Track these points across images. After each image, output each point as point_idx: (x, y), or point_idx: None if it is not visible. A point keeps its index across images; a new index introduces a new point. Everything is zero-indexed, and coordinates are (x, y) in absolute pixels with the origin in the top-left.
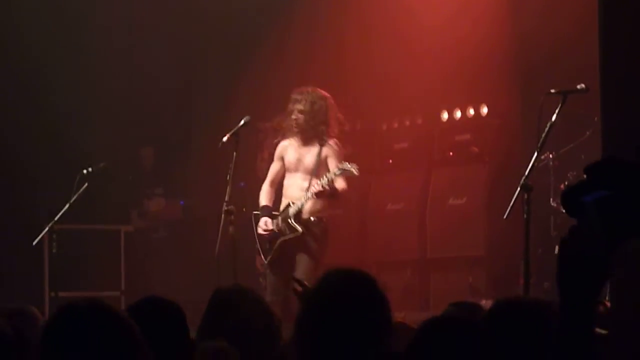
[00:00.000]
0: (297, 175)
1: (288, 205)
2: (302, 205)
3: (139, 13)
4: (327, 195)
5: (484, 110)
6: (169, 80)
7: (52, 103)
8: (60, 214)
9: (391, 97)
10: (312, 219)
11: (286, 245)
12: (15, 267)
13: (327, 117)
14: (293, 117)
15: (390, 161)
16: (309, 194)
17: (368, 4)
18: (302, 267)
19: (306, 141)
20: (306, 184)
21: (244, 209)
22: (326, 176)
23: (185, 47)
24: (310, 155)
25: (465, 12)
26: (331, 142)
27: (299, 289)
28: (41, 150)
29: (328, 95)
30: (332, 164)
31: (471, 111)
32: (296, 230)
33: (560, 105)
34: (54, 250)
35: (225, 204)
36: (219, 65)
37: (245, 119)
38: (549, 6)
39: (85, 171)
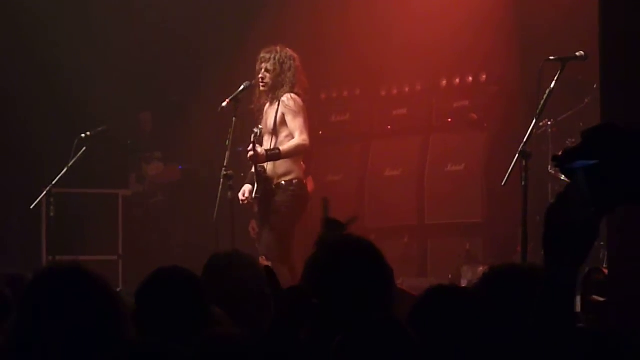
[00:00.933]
0: (265, 138)
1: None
2: (259, 168)
3: None
4: (263, 158)
5: (483, 77)
6: (169, 44)
7: (52, 65)
8: (58, 177)
9: (390, 63)
10: (282, 182)
11: (261, 207)
12: (13, 231)
13: (294, 78)
14: (260, 76)
15: (389, 127)
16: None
17: None
18: (264, 240)
19: (272, 101)
20: (268, 145)
21: (242, 174)
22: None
23: (188, 10)
24: (272, 115)
25: None
26: (285, 97)
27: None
28: (40, 114)
29: (296, 55)
30: (289, 120)
31: (470, 78)
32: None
33: (559, 72)
34: (51, 214)
35: (224, 168)
36: (222, 30)
37: (245, 84)
38: None
39: (83, 135)
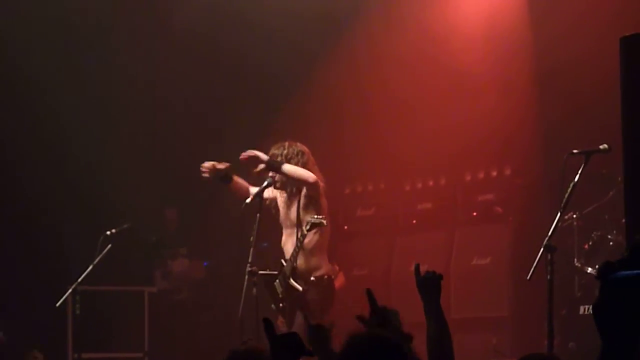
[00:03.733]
0: (288, 231)
1: (282, 265)
2: (294, 261)
3: (164, 70)
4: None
5: (507, 170)
6: (193, 141)
7: (75, 164)
8: (83, 275)
9: (414, 157)
10: (312, 278)
11: (293, 303)
12: (38, 329)
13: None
14: (270, 175)
15: (414, 221)
16: (296, 249)
17: (396, 66)
18: (297, 327)
19: (290, 196)
20: (295, 238)
21: (267, 270)
22: (304, 229)
23: (208, 106)
24: (294, 208)
25: (487, 78)
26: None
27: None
28: (64, 212)
29: (306, 149)
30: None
31: (494, 172)
32: (297, 289)
33: (583, 165)
34: (77, 312)
35: (248, 265)
36: (243, 126)
37: (268, 180)
38: (572, 67)
39: (108, 232)
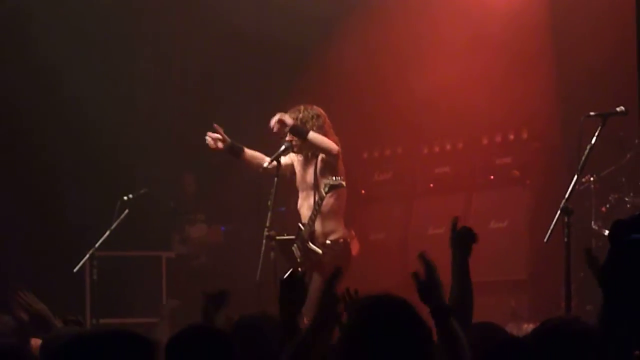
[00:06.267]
0: (304, 194)
1: (299, 229)
2: (312, 224)
3: (183, 42)
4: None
5: (524, 133)
6: (210, 107)
7: (93, 129)
8: (101, 240)
9: (432, 121)
10: (327, 241)
11: (311, 267)
12: (56, 294)
13: (321, 133)
14: (287, 139)
15: (432, 185)
16: (314, 212)
17: (412, 31)
18: (314, 288)
19: (306, 159)
20: (312, 201)
21: (285, 234)
22: (322, 191)
23: (227, 74)
24: (311, 172)
25: (504, 39)
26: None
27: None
28: (81, 177)
29: (322, 111)
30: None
31: (511, 135)
32: (316, 252)
33: (600, 127)
34: (94, 277)
35: (266, 229)
36: (263, 91)
37: (285, 144)
38: (589, 29)
39: (126, 197)
